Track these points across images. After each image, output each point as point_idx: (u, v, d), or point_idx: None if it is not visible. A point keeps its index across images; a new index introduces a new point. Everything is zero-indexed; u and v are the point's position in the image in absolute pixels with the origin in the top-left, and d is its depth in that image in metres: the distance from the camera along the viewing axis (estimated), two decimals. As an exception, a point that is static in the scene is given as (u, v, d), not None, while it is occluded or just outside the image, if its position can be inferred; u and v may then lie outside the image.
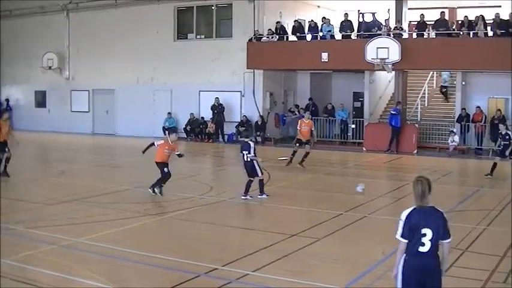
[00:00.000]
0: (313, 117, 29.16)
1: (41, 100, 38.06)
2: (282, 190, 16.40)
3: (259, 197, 14.61)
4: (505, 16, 25.11)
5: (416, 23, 27.66)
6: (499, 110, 26.03)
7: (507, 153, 18.44)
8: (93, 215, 12.70)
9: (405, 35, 27.06)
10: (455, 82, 29.10)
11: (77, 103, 36.23)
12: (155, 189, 14.60)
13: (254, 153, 14.48)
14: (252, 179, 14.61)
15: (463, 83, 27.84)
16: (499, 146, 20.38)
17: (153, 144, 14.88)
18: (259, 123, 29.49)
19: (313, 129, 21.00)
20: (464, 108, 26.92)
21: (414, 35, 27.42)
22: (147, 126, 32.30)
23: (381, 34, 26.38)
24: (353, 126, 29.09)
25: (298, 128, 21.01)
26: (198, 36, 32.74)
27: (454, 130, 26.25)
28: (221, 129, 30.61)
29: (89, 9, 35.14)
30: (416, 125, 27.62)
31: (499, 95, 27.55)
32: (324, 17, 29.34)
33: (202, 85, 31.45)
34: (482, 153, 25.86)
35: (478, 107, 26.65)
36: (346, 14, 28.79)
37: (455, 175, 20.30)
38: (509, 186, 17.60)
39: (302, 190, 16.78)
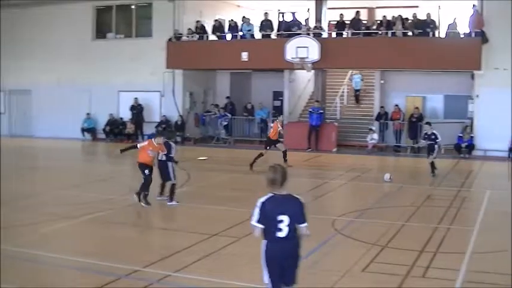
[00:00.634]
0: (232, 116, 29.21)
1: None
2: (202, 190, 16.22)
3: (168, 204, 13.76)
4: (422, 16, 25.71)
5: (335, 22, 27.90)
6: (417, 108, 26.57)
7: (435, 153, 18.68)
8: (9, 219, 11.84)
9: (325, 35, 27.25)
10: (370, 84, 29.59)
11: (-9, 104, 34.67)
12: (141, 200, 13.51)
13: (172, 154, 13.93)
14: (165, 182, 13.99)
15: (382, 81, 28.34)
16: (418, 143, 20.60)
17: (135, 146, 14.09)
18: (179, 123, 29.10)
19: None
20: (382, 107, 27.38)
21: (333, 35, 27.68)
22: (66, 128, 31.30)
23: (300, 33, 26.45)
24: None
25: (278, 130, 21.08)
26: (118, 36, 31.99)
27: (373, 128, 26.62)
28: (140, 130, 30.01)
29: (5, 7, 33.49)
30: (336, 123, 27.80)
31: (416, 93, 28.18)
32: (244, 17, 29.22)
33: (121, 85, 30.66)
34: (401, 150, 26.32)
35: (397, 105, 27.10)
36: (266, 13, 28.72)
37: (375, 172, 20.46)
38: (426, 182, 17.94)
39: (222, 190, 16.52)
